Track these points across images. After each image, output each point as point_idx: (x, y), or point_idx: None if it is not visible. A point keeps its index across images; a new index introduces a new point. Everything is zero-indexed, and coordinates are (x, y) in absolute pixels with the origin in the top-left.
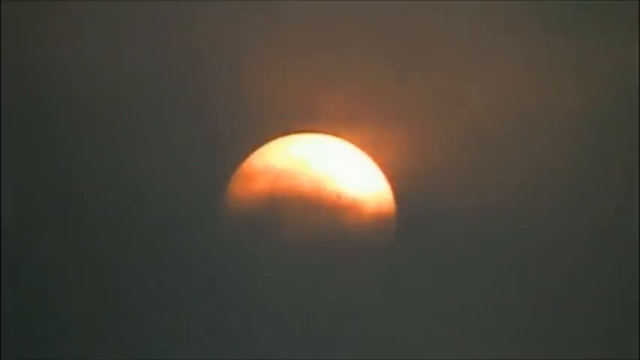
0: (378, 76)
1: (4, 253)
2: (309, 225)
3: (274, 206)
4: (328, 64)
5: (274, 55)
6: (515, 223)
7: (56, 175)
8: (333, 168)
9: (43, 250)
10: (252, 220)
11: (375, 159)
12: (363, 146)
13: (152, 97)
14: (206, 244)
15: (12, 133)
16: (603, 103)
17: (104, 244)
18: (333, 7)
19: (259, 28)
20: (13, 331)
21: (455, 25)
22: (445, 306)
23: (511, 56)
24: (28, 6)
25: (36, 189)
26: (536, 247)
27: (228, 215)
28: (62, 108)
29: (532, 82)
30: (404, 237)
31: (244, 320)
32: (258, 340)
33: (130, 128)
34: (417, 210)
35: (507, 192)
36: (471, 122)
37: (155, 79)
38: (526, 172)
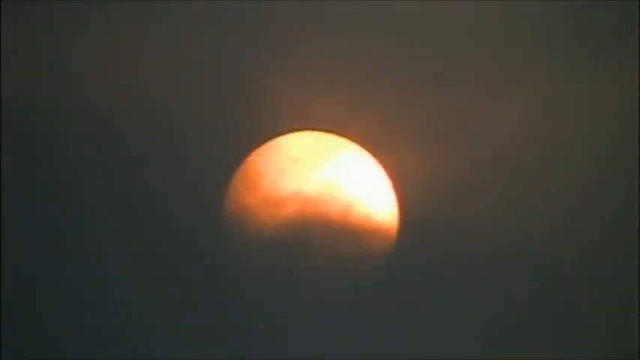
0: (414, 96)
1: (4, 253)
2: (336, 251)
3: (302, 231)
4: (362, 82)
5: (296, 73)
6: (531, 241)
7: (57, 175)
8: (361, 192)
9: (43, 252)
10: (280, 245)
11: (406, 182)
12: (394, 171)
13: (160, 105)
14: (230, 269)
15: (12, 133)
16: (620, 127)
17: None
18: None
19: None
20: (12, 332)
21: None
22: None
23: (537, 75)
24: (28, 7)
25: (37, 191)
26: (541, 253)
27: (254, 239)
28: (62, 108)
29: (557, 103)
30: (430, 263)
31: (270, 348)
32: None
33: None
34: (446, 237)
35: (530, 217)
36: (504, 146)
37: (161, 86)
38: (544, 196)
